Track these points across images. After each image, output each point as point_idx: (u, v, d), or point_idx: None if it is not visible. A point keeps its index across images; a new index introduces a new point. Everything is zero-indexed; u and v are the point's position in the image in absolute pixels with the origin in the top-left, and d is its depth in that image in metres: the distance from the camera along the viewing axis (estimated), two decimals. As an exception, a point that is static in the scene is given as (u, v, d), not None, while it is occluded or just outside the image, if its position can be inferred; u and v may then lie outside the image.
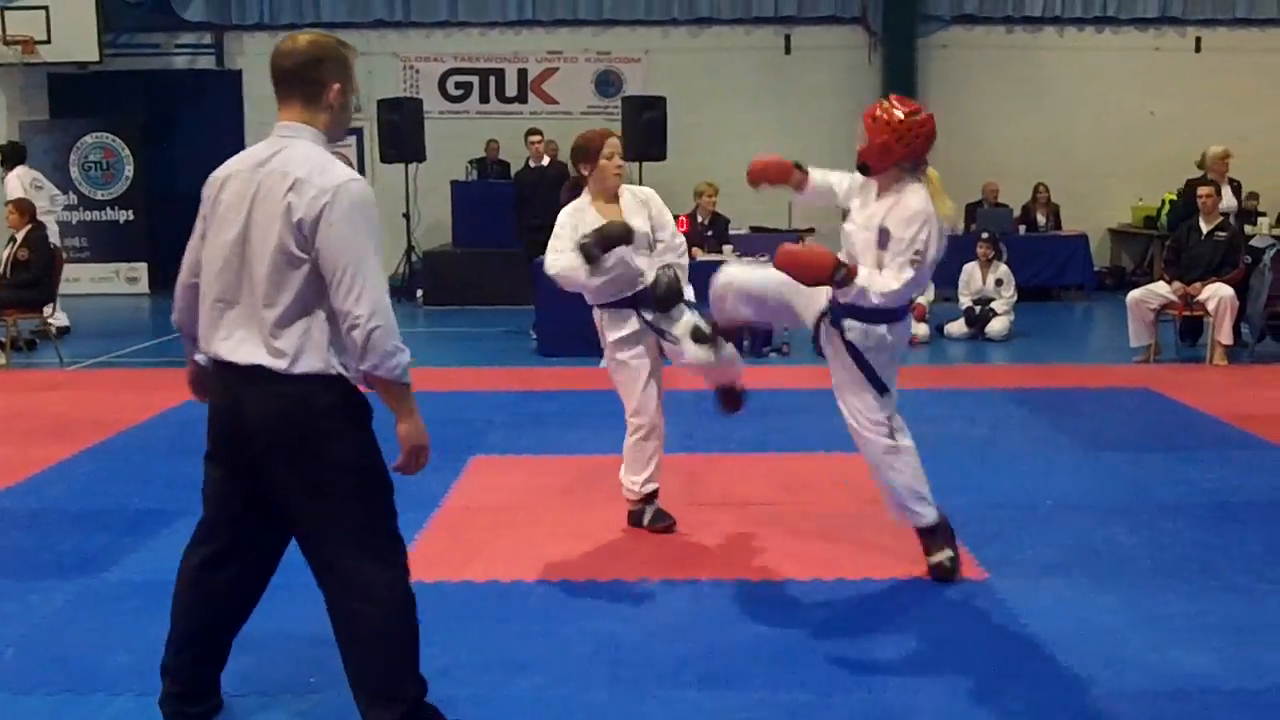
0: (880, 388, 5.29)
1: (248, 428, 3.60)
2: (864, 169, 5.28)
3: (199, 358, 3.85)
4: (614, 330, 5.96)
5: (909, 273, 5.03)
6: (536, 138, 14.28)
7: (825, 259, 5.00)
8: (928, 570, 5.41)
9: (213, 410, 3.76)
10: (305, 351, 3.55)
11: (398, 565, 3.81)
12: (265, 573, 4.03)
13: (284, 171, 3.54)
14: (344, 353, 3.57)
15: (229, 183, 3.66)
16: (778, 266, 5.09)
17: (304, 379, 3.56)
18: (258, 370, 3.55)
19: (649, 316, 5.89)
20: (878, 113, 5.22)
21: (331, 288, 3.49)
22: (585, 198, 5.98)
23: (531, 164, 14.17)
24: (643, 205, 6.00)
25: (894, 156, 5.17)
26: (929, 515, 5.41)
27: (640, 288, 5.88)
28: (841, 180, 5.57)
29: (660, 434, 6.19)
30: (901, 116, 5.20)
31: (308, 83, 3.66)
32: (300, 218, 3.47)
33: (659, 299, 5.84)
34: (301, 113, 3.67)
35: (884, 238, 5.12)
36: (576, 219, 5.84)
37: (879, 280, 5.04)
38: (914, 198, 5.13)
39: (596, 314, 6.04)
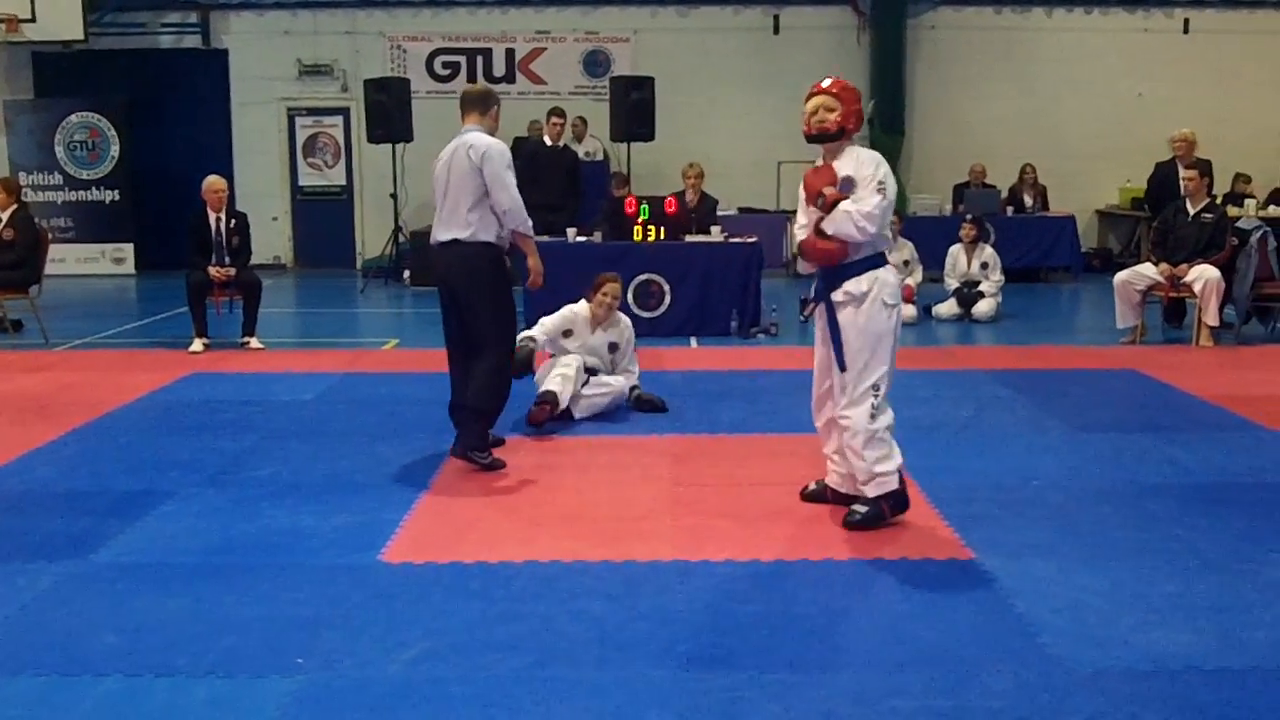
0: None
1: (452, 270, 6.90)
2: (837, 134, 5.82)
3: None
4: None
5: (877, 198, 5.66)
6: (558, 119, 14.21)
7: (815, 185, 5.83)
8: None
9: (435, 266, 7.08)
10: (478, 229, 6.78)
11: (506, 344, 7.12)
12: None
13: (469, 144, 6.80)
14: (492, 228, 6.83)
15: (442, 158, 6.95)
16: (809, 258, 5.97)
17: (474, 243, 6.81)
18: (454, 241, 6.84)
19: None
20: (845, 84, 5.93)
21: (491, 195, 6.76)
22: (585, 312, 8.47)
23: (547, 142, 14.10)
24: (621, 329, 8.66)
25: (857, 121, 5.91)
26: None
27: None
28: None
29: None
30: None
31: (484, 104, 7.05)
32: (478, 163, 6.73)
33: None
34: (479, 120, 6.99)
35: (848, 184, 5.74)
36: (570, 323, 8.43)
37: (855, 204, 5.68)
38: (865, 151, 5.88)
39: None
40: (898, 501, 5.89)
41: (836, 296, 5.82)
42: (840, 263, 5.79)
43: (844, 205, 5.66)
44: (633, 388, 8.53)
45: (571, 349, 8.35)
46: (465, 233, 6.79)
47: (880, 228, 5.73)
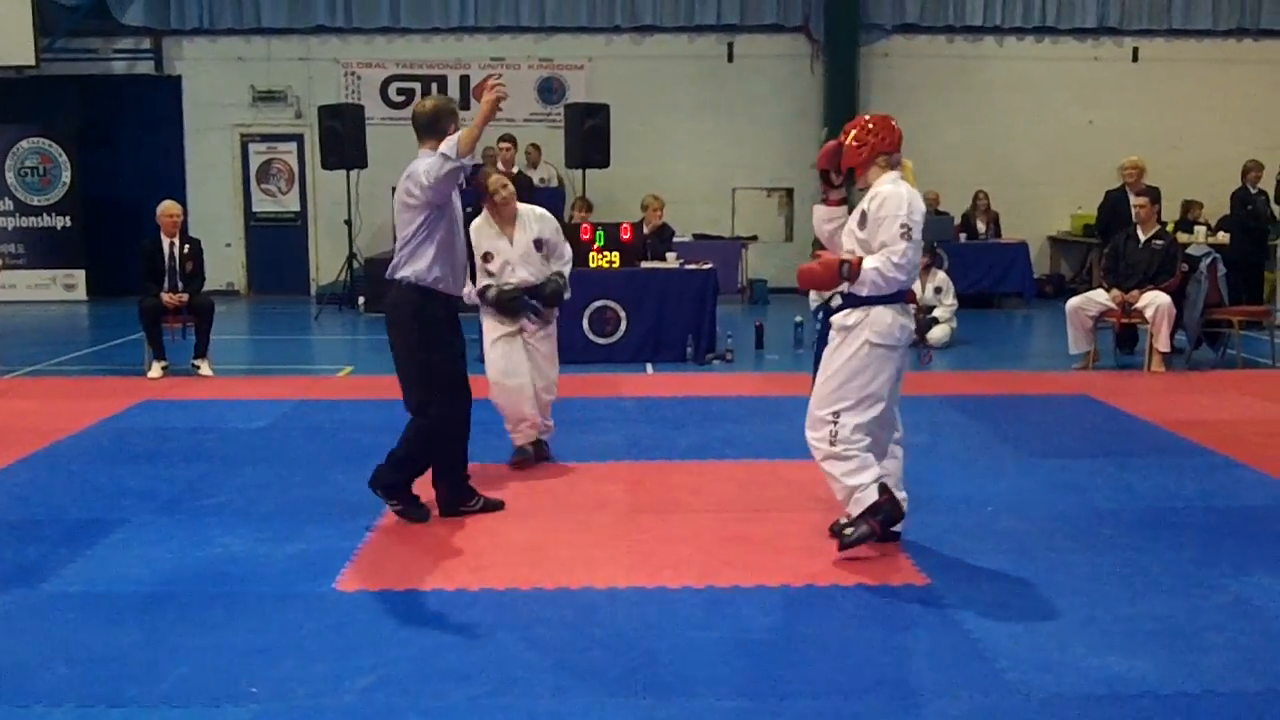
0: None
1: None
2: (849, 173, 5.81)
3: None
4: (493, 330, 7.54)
5: (902, 244, 5.54)
6: (506, 144, 14.20)
7: (831, 262, 5.68)
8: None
9: None
10: (404, 265, 6.16)
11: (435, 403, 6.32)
12: None
13: (405, 175, 6.11)
14: (421, 261, 6.13)
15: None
16: (801, 285, 5.94)
17: (398, 284, 6.19)
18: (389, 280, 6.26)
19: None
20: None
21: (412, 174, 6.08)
22: (485, 217, 7.46)
23: (500, 168, 14.12)
24: (538, 221, 7.51)
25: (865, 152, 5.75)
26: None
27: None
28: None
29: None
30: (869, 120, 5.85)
31: (435, 129, 6.09)
32: (407, 185, 6.06)
33: (546, 298, 7.46)
34: (434, 148, 5.97)
35: (862, 219, 5.69)
36: (477, 246, 7.38)
37: (884, 257, 5.56)
38: (893, 188, 5.66)
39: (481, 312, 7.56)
40: (887, 513, 5.75)
41: (834, 324, 5.79)
42: (834, 290, 5.77)
43: (869, 262, 5.55)
44: (556, 274, 7.53)
45: (496, 268, 7.38)
46: (396, 272, 6.19)
47: (911, 275, 5.66)
